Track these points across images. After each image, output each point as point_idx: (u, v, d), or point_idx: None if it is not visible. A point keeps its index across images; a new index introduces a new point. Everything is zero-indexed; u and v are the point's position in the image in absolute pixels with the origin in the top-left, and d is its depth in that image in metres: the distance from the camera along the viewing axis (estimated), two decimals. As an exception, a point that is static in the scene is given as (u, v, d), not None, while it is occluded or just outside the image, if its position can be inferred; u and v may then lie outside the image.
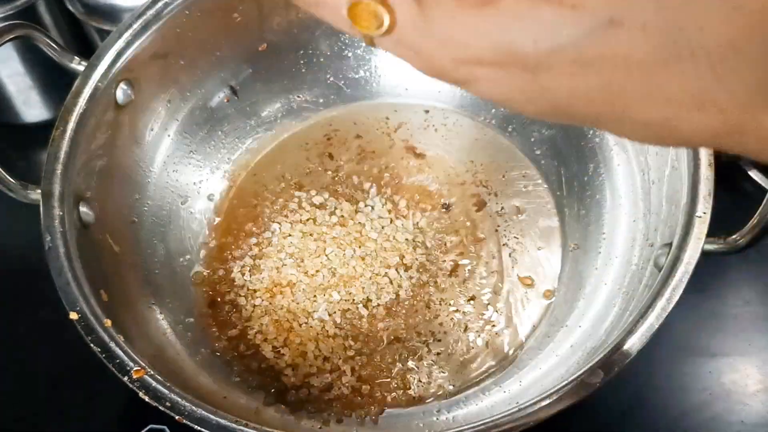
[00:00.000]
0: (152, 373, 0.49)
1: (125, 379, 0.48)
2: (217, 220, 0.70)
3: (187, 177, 0.71)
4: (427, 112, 0.76)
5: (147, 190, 0.67)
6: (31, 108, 0.82)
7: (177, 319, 0.62)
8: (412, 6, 0.24)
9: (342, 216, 0.68)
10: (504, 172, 0.71)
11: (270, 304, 0.63)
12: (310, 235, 0.66)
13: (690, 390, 0.61)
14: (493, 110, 0.74)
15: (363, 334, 0.62)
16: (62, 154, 0.57)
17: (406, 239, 0.66)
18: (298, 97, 0.76)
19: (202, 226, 0.70)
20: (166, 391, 0.48)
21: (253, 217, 0.69)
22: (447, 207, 0.69)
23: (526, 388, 0.57)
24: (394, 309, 0.63)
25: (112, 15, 0.71)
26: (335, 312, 0.62)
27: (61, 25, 0.80)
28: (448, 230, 0.68)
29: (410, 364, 0.61)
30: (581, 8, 0.22)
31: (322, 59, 0.76)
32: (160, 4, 0.63)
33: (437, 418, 0.58)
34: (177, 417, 0.47)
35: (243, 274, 0.66)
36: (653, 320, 0.47)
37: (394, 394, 0.59)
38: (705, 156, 0.52)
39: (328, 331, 0.62)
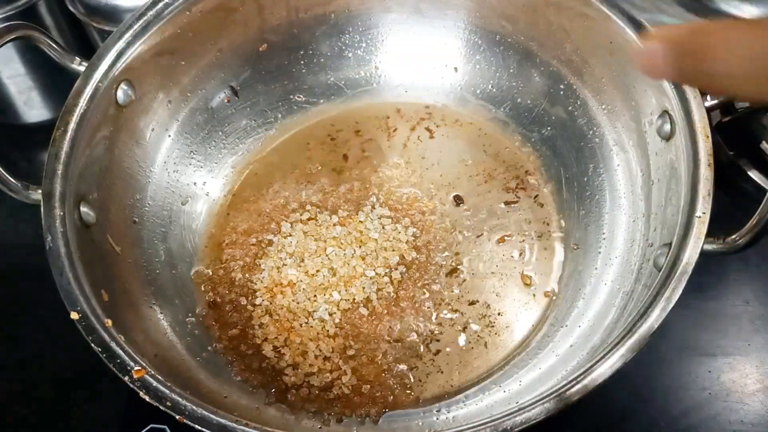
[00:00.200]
0: (153, 372, 0.49)
1: (126, 378, 0.48)
2: (218, 220, 0.70)
3: (188, 177, 0.71)
4: (427, 111, 0.76)
5: (148, 191, 0.67)
6: (32, 108, 0.82)
7: (178, 318, 0.62)
8: None
9: (343, 216, 0.68)
10: (504, 173, 0.71)
11: (270, 303, 0.63)
12: (311, 234, 0.67)
13: (690, 389, 0.61)
14: (494, 110, 0.74)
15: (363, 333, 0.62)
16: (63, 155, 0.57)
17: (407, 239, 0.66)
18: (299, 97, 0.76)
19: (202, 226, 0.70)
20: (166, 391, 0.48)
21: (254, 216, 0.70)
22: (448, 206, 0.69)
23: (526, 388, 0.58)
24: (394, 309, 0.63)
25: (113, 15, 0.71)
26: (336, 312, 0.62)
27: (61, 26, 0.80)
28: (448, 230, 0.68)
29: (410, 363, 0.61)
30: None
31: (322, 59, 0.76)
32: (160, 5, 0.63)
33: (437, 418, 0.58)
34: (178, 417, 0.47)
35: (243, 274, 0.66)
36: (653, 320, 0.47)
37: (394, 393, 0.59)
38: (704, 156, 0.52)
39: (328, 330, 0.62)
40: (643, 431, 0.60)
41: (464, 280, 0.65)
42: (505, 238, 0.67)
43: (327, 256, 0.65)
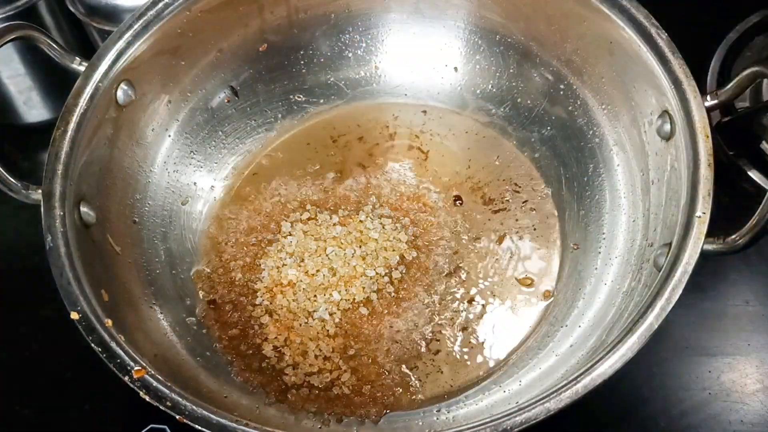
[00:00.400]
0: (153, 372, 0.49)
1: (126, 378, 0.48)
2: (218, 220, 0.70)
3: (188, 177, 0.71)
4: (424, 113, 0.76)
5: (148, 191, 0.67)
6: (32, 108, 0.82)
7: (178, 318, 0.62)
8: None
9: (343, 215, 0.68)
10: (504, 173, 0.71)
11: (270, 303, 0.63)
12: (311, 234, 0.67)
13: (690, 389, 0.61)
14: (494, 111, 0.74)
15: (364, 333, 0.62)
16: (63, 155, 0.57)
17: (407, 239, 0.66)
18: (299, 97, 0.76)
19: (202, 226, 0.70)
20: (166, 391, 0.48)
21: (254, 216, 0.70)
22: (448, 206, 0.69)
23: (526, 388, 0.58)
24: (394, 309, 0.63)
25: (113, 15, 0.71)
26: (336, 312, 0.62)
27: (62, 26, 0.80)
28: (449, 230, 0.68)
29: (411, 363, 0.61)
30: None
31: (322, 59, 0.76)
32: (160, 5, 0.63)
33: (437, 418, 0.58)
34: (178, 416, 0.47)
35: (243, 274, 0.66)
36: (653, 320, 0.47)
37: (394, 394, 0.59)
38: (704, 156, 0.52)
39: (328, 330, 0.62)
40: (643, 431, 0.60)
41: (464, 280, 0.65)
42: (505, 238, 0.67)
43: (327, 255, 0.65)
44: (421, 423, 0.58)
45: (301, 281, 0.64)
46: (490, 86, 0.75)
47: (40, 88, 0.80)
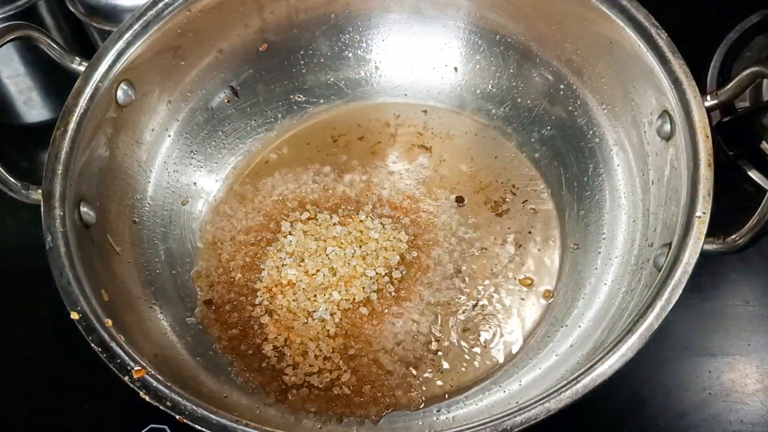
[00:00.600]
0: (153, 372, 0.49)
1: (126, 378, 0.48)
2: (218, 219, 0.70)
3: (188, 177, 0.71)
4: (424, 113, 0.76)
5: (148, 191, 0.67)
6: (32, 108, 0.82)
7: (178, 318, 0.62)
8: None
9: (343, 215, 0.68)
10: (504, 173, 0.71)
11: (270, 303, 0.63)
12: (311, 234, 0.67)
13: (690, 389, 0.61)
14: (493, 111, 0.74)
15: (364, 334, 0.62)
16: (63, 154, 0.57)
17: (408, 239, 0.66)
18: (299, 97, 0.76)
19: (202, 226, 0.70)
20: (167, 391, 0.48)
21: (254, 216, 0.70)
22: (449, 206, 0.69)
23: (526, 388, 0.57)
24: (394, 309, 0.63)
25: (113, 15, 0.71)
26: (336, 312, 0.62)
27: (62, 26, 0.80)
28: (449, 230, 0.68)
29: (411, 363, 0.61)
30: None
31: (322, 59, 0.76)
32: (160, 5, 0.63)
33: (437, 418, 0.58)
34: (178, 416, 0.47)
35: (243, 274, 0.66)
36: (653, 320, 0.47)
37: (394, 394, 0.59)
38: (704, 156, 0.52)
39: (329, 330, 0.62)
40: (643, 431, 0.60)
41: (464, 280, 0.65)
42: (505, 238, 0.67)
43: (327, 255, 0.65)
44: (421, 423, 0.58)
45: (301, 281, 0.64)
46: (490, 86, 0.75)
47: (40, 88, 0.80)
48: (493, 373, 0.60)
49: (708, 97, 0.55)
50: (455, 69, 0.75)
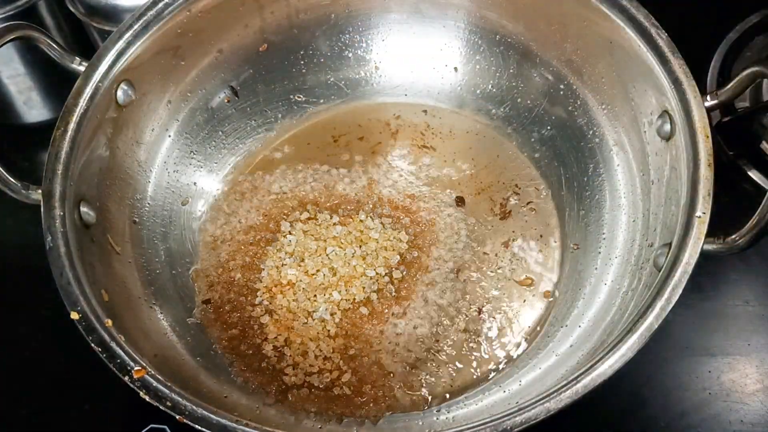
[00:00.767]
0: (153, 372, 0.49)
1: (126, 378, 0.48)
2: (218, 219, 0.70)
3: (188, 177, 0.71)
4: (424, 113, 0.76)
5: (148, 190, 0.67)
6: (32, 108, 0.82)
7: (178, 318, 0.62)
8: None
9: (343, 215, 0.68)
10: (504, 173, 0.71)
11: (270, 303, 0.63)
12: (311, 234, 0.67)
13: (690, 389, 0.61)
14: (493, 111, 0.74)
15: (364, 334, 0.62)
16: (63, 154, 0.57)
17: (408, 239, 0.66)
18: (299, 97, 0.76)
19: (202, 225, 0.70)
20: (167, 391, 0.48)
21: (254, 216, 0.69)
22: (449, 206, 0.69)
23: (526, 388, 0.58)
24: (395, 309, 0.63)
25: (113, 15, 0.71)
26: (336, 312, 0.62)
27: (62, 26, 0.80)
28: (450, 230, 0.68)
29: (411, 363, 0.61)
30: None
31: (322, 59, 0.76)
32: (160, 5, 0.63)
33: (437, 418, 0.58)
34: (178, 416, 0.47)
35: (243, 274, 0.66)
36: (653, 320, 0.47)
37: (394, 394, 0.59)
38: (704, 156, 0.52)
39: (329, 330, 0.62)
40: (643, 431, 0.60)
41: (464, 280, 0.65)
42: (506, 237, 0.67)
43: (327, 255, 0.65)
44: (421, 423, 0.58)
45: (301, 281, 0.64)
46: (490, 86, 0.75)
47: (40, 88, 0.80)
48: (493, 373, 0.60)
49: (708, 97, 0.55)
50: (455, 69, 0.75)
